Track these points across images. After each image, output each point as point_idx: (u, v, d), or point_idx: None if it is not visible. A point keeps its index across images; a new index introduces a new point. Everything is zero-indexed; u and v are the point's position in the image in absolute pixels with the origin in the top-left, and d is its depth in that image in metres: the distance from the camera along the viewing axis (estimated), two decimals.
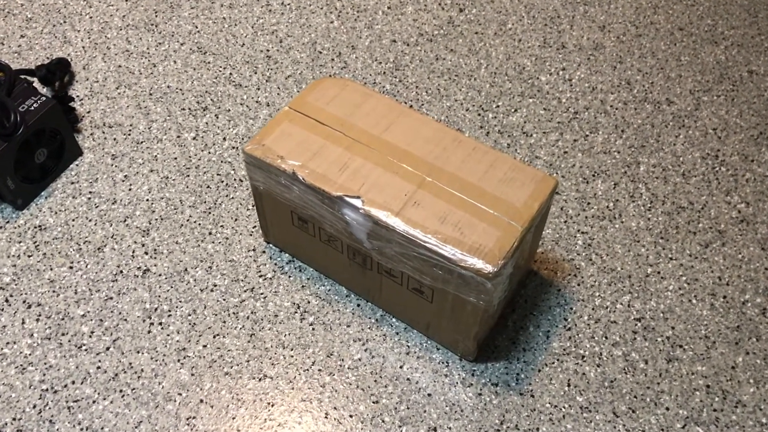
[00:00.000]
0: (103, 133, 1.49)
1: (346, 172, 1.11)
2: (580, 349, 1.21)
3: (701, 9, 1.80)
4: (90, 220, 1.36)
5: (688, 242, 1.36)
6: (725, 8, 1.80)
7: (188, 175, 1.43)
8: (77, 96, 1.55)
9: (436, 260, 1.05)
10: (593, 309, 1.26)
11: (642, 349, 1.22)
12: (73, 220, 1.36)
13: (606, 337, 1.23)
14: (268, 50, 1.65)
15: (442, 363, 1.20)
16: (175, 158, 1.46)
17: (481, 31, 1.71)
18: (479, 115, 1.55)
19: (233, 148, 1.47)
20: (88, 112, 1.53)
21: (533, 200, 1.09)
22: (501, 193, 1.09)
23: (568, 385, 1.18)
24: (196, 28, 1.69)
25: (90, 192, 1.40)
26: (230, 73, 1.60)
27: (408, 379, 1.18)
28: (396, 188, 1.09)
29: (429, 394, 1.16)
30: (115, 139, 1.48)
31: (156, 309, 1.25)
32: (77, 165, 1.44)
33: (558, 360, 1.20)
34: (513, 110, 1.56)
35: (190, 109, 1.54)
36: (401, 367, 1.19)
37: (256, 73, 1.61)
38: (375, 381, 1.17)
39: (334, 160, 1.12)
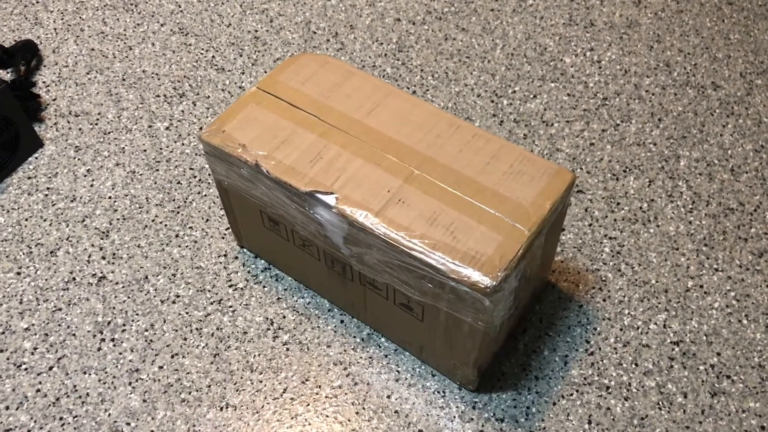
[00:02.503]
0: (68, 122, 1.33)
1: (319, 164, 0.92)
2: (604, 379, 1.01)
3: None
4: (45, 220, 1.20)
5: (737, 251, 1.14)
6: None
7: (157, 170, 1.26)
8: (44, 81, 1.40)
9: (423, 270, 0.86)
10: (621, 330, 1.06)
11: (680, 379, 1.01)
12: (26, 220, 1.20)
13: (636, 365, 1.02)
14: (256, 31, 1.48)
15: (438, 392, 1.00)
16: (145, 150, 1.29)
17: (497, 7, 1.51)
18: (492, 101, 1.35)
19: None
20: (54, 99, 1.37)
21: (545, 198, 0.89)
22: (505, 189, 0.90)
23: (589, 423, 0.97)
24: (179, 7, 1.53)
25: (48, 188, 1.24)
26: (213, 56, 1.43)
27: (396, 411, 0.99)
28: (378, 183, 0.90)
29: (421, 430, 0.97)
30: (80, 129, 1.32)
31: (109, 323, 1.08)
32: (36, 158, 1.29)
33: (577, 391, 1.00)
34: (532, 96, 1.35)
35: (165, 95, 1.37)
36: (389, 396, 1.00)
37: (241, 55, 1.43)
38: (357, 413, 0.99)
39: (305, 150, 0.94)
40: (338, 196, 0.90)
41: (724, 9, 1.52)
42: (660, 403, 1.00)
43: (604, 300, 1.10)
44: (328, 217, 0.91)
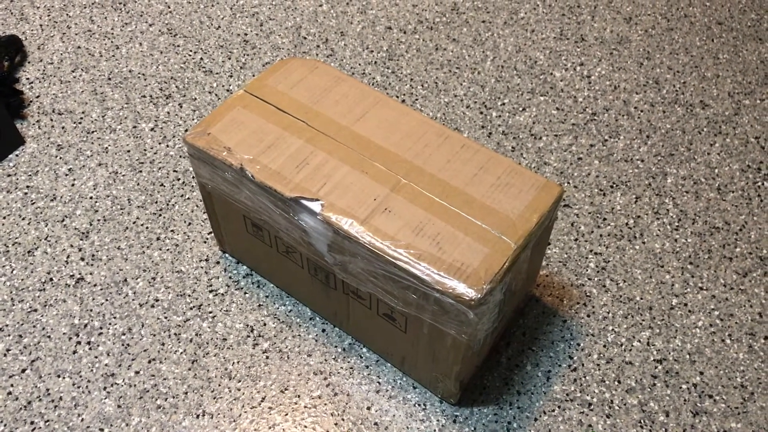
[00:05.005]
0: (51, 120, 1.31)
1: (306, 170, 0.91)
2: (586, 395, 1.00)
3: (744, 1, 1.58)
4: (23, 219, 1.18)
5: (722, 270, 1.14)
6: None
7: (141, 171, 1.24)
8: (27, 78, 1.37)
9: (408, 281, 0.85)
10: (605, 346, 1.05)
11: (663, 397, 1.00)
12: (4, 218, 1.18)
13: (619, 382, 1.01)
14: (245, 34, 1.46)
15: (419, 405, 0.99)
16: (128, 151, 1.27)
17: (489, 19, 1.51)
18: (481, 113, 1.34)
19: None
20: (37, 96, 1.35)
21: (532, 211, 0.88)
22: (492, 201, 0.89)
23: None
24: (168, 7, 1.51)
25: (27, 186, 1.22)
26: (201, 58, 1.42)
27: (376, 423, 0.97)
28: (364, 191, 0.89)
29: None
30: (63, 127, 1.30)
31: (85, 325, 1.06)
32: (17, 155, 1.26)
33: (559, 407, 0.99)
34: (521, 109, 1.35)
35: (151, 96, 1.35)
36: (369, 408, 0.99)
37: (230, 58, 1.42)
38: (335, 424, 0.97)
39: (291, 155, 0.93)
40: (324, 203, 0.88)
41: (713, 29, 1.52)
42: (642, 421, 0.99)
43: (588, 316, 1.09)
44: (313, 224, 0.90)
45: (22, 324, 1.07)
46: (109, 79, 1.38)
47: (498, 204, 0.89)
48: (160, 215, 1.19)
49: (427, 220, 0.87)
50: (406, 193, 0.89)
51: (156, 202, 1.20)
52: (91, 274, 1.12)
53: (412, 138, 0.95)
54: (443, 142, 0.95)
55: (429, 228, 0.86)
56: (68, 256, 1.14)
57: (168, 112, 1.33)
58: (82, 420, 0.98)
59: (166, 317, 1.07)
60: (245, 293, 1.10)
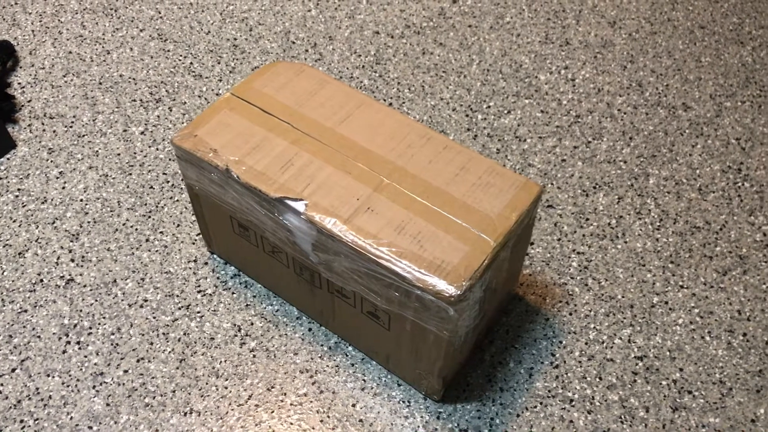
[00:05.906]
0: (43, 124, 1.33)
1: (290, 170, 0.93)
2: (568, 392, 1.02)
3: (726, 6, 1.60)
4: (14, 221, 1.19)
5: (702, 268, 1.16)
6: (753, 5, 1.60)
7: (130, 174, 1.26)
8: (19, 83, 1.39)
9: (390, 279, 0.87)
10: (586, 343, 1.07)
11: (643, 393, 1.02)
12: None
13: (600, 378, 1.03)
14: (235, 39, 1.48)
15: (403, 402, 1.00)
16: (119, 154, 1.29)
17: (475, 24, 1.53)
18: (467, 116, 1.36)
19: None
20: (29, 101, 1.36)
21: (511, 210, 0.90)
22: (473, 200, 0.90)
23: None
24: (159, 13, 1.53)
25: (18, 189, 1.23)
26: (191, 63, 1.43)
27: (361, 420, 0.99)
28: (347, 191, 0.91)
29: None
30: (54, 131, 1.32)
31: (75, 325, 1.08)
32: (8, 159, 1.28)
33: (541, 403, 1.01)
34: (506, 112, 1.37)
35: (141, 100, 1.37)
36: (354, 405, 1.00)
37: (219, 63, 1.44)
38: (321, 421, 0.99)
39: (277, 156, 0.94)
40: (308, 203, 0.90)
41: (696, 32, 1.55)
42: (622, 417, 1.00)
43: (571, 314, 1.11)
44: (297, 223, 0.91)
45: (12, 324, 1.08)
46: (100, 83, 1.40)
47: (478, 203, 0.90)
48: (150, 217, 1.20)
49: (409, 219, 0.88)
50: (389, 192, 0.91)
51: (145, 205, 1.22)
52: (81, 275, 1.13)
53: (395, 139, 0.97)
54: (426, 143, 0.97)
55: (410, 227, 0.88)
56: (58, 258, 1.15)
57: (158, 116, 1.35)
58: (71, 418, 0.99)
59: (154, 317, 1.09)
60: (233, 293, 1.11)
